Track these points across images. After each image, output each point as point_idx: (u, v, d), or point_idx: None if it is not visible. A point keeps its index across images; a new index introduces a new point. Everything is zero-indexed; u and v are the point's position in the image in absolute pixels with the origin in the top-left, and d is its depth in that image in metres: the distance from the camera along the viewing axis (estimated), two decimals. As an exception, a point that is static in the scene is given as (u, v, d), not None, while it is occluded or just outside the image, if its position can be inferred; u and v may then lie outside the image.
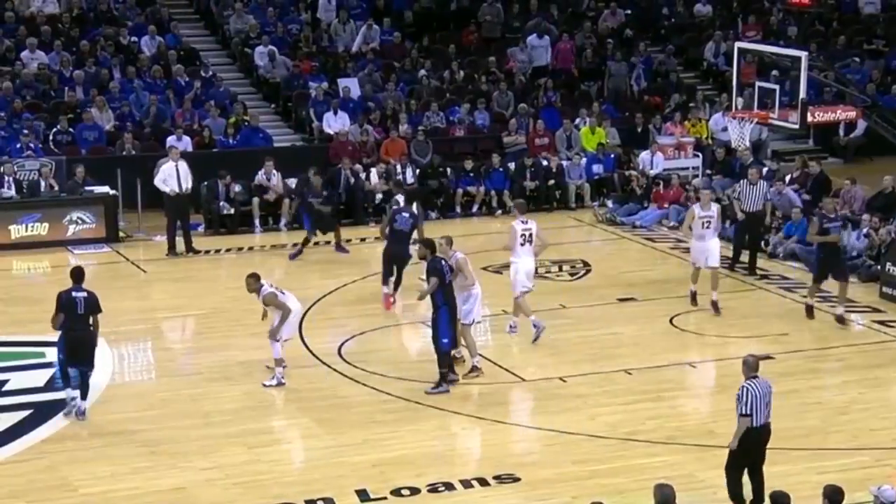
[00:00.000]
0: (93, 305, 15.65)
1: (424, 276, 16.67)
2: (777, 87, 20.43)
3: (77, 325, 15.60)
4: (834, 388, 16.75)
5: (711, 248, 19.37)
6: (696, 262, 19.58)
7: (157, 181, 23.30)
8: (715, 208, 19.66)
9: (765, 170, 25.56)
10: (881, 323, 19.19)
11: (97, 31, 29.65)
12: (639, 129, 28.69)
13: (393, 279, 20.10)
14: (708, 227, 19.33)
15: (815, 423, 15.46)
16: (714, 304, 19.32)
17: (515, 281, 18.42)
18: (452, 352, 16.78)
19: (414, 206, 21.28)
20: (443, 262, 16.46)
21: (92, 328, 15.63)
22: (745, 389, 12.51)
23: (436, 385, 16.25)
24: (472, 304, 16.83)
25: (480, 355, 17.05)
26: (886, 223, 21.65)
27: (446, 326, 16.27)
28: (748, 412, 12.44)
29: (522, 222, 18.86)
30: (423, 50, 30.95)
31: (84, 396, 15.62)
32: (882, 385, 16.76)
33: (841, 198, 23.85)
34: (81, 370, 15.60)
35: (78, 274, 15.93)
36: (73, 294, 15.66)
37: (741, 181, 22.18)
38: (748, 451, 12.50)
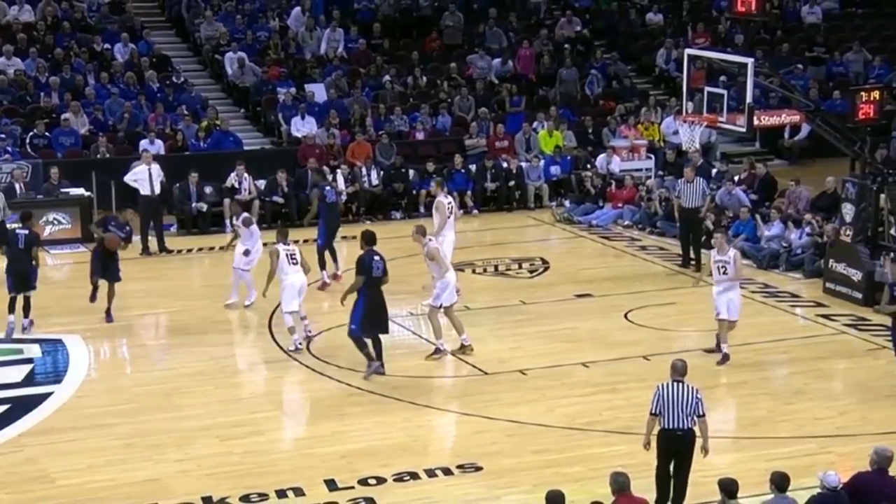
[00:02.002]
0: (32, 240, 18.00)
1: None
2: (725, 92, 20.49)
3: (18, 258, 17.94)
4: (780, 380, 16.85)
5: (732, 298, 16.98)
6: (718, 311, 17.07)
7: (128, 178, 23.40)
8: (731, 254, 17.03)
9: (714, 171, 25.73)
10: (825, 317, 19.32)
11: (72, 37, 29.52)
12: (589, 131, 28.81)
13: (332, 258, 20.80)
14: (724, 273, 16.99)
15: (763, 412, 15.54)
16: (725, 357, 17.02)
17: (448, 253, 18.97)
18: (461, 339, 17.14)
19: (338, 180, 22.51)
20: (374, 258, 16.50)
21: (34, 262, 17.92)
22: (656, 389, 12.39)
23: (367, 367, 16.40)
24: (441, 289, 16.85)
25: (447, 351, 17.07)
26: (829, 222, 21.82)
27: (359, 315, 16.35)
28: (654, 411, 12.32)
29: (445, 196, 19.87)
30: (387, 56, 30.94)
31: (26, 315, 18.04)
32: (826, 376, 16.87)
33: (786, 198, 24.04)
34: (25, 295, 17.98)
35: (24, 215, 18.58)
36: (17, 231, 18.13)
37: (679, 180, 22.34)
38: (664, 452, 12.35)
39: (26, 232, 18.08)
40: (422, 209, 26.06)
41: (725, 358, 16.91)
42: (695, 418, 12.27)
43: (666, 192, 25.15)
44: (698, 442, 12.38)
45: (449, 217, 19.63)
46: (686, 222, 22.03)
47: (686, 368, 12.56)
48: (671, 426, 12.24)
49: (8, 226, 20.93)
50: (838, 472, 11.47)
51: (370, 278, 16.35)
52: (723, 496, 11.23)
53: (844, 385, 16.64)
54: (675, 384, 12.35)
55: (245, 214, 20.00)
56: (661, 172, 26.93)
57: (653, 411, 12.36)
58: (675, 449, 12.31)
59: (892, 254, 19.68)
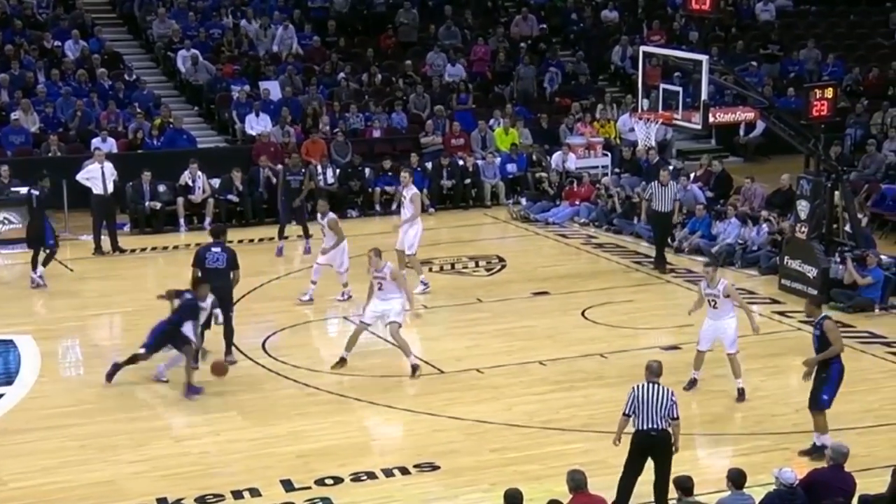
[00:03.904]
0: (41, 201, 20.79)
1: None
2: (680, 89, 20.58)
3: (32, 217, 20.98)
4: (737, 377, 16.96)
5: (723, 329, 15.87)
6: (700, 343, 16.05)
7: (80, 177, 23.24)
8: (720, 288, 15.79)
9: (670, 168, 25.84)
10: (780, 313, 19.49)
11: (22, 34, 29.31)
12: (544, 126, 28.90)
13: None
14: (714, 307, 15.92)
15: (720, 409, 15.66)
16: (740, 392, 15.90)
17: (416, 241, 19.91)
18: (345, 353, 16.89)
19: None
20: (209, 251, 16.99)
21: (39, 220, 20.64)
22: (631, 390, 12.47)
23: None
24: (404, 306, 16.83)
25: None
26: (784, 219, 22.02)
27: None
28: (628, 412, 12.38)
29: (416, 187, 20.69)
30: (342, 54, 30.91)
31: (35, 267, 20.65)
32: (781, 373, 17.00)
33: (742, 195, 24.22)
34: (44, 251, 20.72)
35: (39, 176, 21.07)
36: (31, 192, 20.87)
37: (653, 182, 22.15)
38: (635, 453, 12.41)
39: (37, 193, 20.82)
40: (377, 207, 26.08)
41: (692, 383, 16.02)
42: (669, 420, 12.33)
43: (623, 191, 25.28)
44: None
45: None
46: (658, 225, 21.94)
47: (661, 369, 12.63)
48: (645, 427, 12.29)
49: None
50: (794, 469, 11.60)
51: (204, 270, 16.82)
52: (679, 494, 11.32)
53: (800, 381, 16.69)
54: (651, 385, 12.41)
55: (211, 297, 16.61)
56: (617, 170, 27.06)
57: (626, 412, 12.40)
58: (650, 448, 12.35)
59: (848, 254, 19.80)
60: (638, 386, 12.44)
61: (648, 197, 22.13)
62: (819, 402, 13.95)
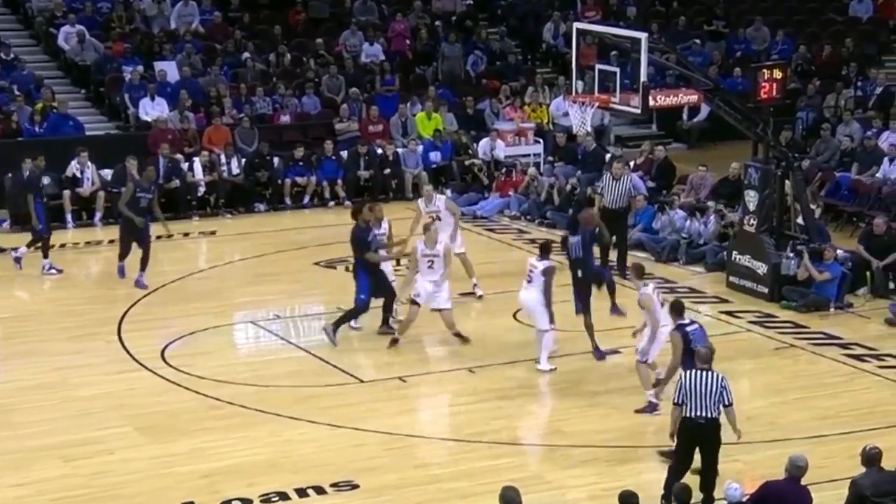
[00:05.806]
0: (24, 182, 21.71)
1: None
2: (618, 69, 20.68)
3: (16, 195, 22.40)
4: (682, 382, 17.09)
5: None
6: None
7: None
8: (639, 297, 15.78)
9: (608, 156, 25.97)
10: (728, 313, 19.69)
11: None
12: (469, 112, 28.95)
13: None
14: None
15: (665, 418, 15.70)
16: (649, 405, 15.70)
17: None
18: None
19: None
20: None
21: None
22: (679, 378, 12.98)
23: None
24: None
25: (319, 357, 17.02)
26: (731, 210, 22.25)
27: None
28: (678, 401, 12.77)
29: None
30: (246, 31, 30.75)
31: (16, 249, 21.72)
32: (730, 377, 16.96)
33: (688, 184, 24.43)
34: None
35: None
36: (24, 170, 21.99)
37: (605, 175, 21.99)
38: (684, 444, 12.76)
39: (27, 173, 21.84)
40: (288, 200, 25.99)
41: (649, 407, 15.65)
42: (720, 407, 12.71)
43: (557, 181, 25.38)
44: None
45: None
46: (608, 225, 20.85)
47: (711, 356, 13.07)
48: (693, 415, 12.66)
49: None
50: (742, 484, 11.74)
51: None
52: (621, 510, 11.41)
53: (751, 387, 16.97)
54: (700, 372, 12.79)
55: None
56: (550, 158, 27.19)
57: (676, 401, 12.80)
58: (699, 439, 12.70)
59: (804, 248, 19.99)
60: (687, 373, 12.85)
61: (600, 191, 21.89)
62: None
